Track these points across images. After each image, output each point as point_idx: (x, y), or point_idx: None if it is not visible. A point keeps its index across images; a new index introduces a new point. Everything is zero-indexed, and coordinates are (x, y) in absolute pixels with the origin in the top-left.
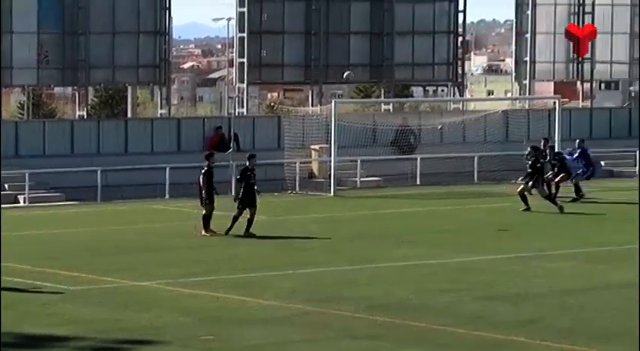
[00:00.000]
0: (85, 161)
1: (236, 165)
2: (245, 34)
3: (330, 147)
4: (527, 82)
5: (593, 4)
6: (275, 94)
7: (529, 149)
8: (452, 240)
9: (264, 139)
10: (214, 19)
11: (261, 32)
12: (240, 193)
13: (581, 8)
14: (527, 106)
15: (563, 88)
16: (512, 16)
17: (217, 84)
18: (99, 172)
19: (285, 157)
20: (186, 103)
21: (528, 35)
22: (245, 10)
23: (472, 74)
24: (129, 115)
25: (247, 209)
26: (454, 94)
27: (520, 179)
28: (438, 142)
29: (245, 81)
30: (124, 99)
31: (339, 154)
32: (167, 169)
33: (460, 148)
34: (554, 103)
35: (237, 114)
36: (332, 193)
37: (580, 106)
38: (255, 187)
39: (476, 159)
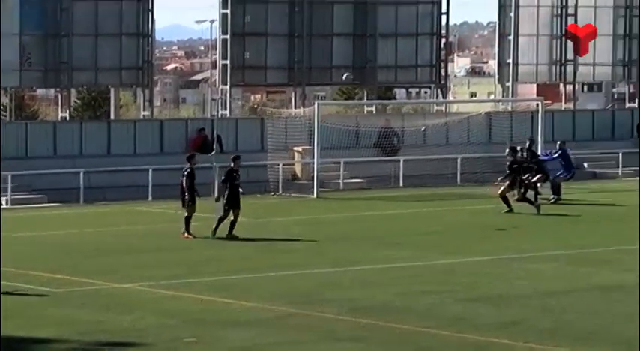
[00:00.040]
0: (67, 163)
1: (219, 167)
2: (228, 36)
3: (313, 149)
4: (510, 84)
5: (575, 7)
6: (258, 96)
7: (507, 150)
8: (435, 242)
9: (247, 140)
10: (197, 21)
11: (244, 34)
12: (226, 195)
13: (563, 10)
14: (510, 108)
15: (546, 90)
16: (495, 18)
17: (200, 86)
18: (81, 174)
19: (268, 158)
20: (169, 105)
21: (511, 37)
22: (228, 12)
23: (455, 76)
24: (112, 116)
25: (231, 211)
26: (437, 96)
27: (499, 180)
28: (421, 143)
29: (228, 83)
30: (107, 101)
31: (322, 156)
32: (150, 171)
33: (443, 150)
34: (537, 105)
35: (220, 116)
36: (315, 195)
37: (563, 108)
38: (240, 190)
39: (459, 161)
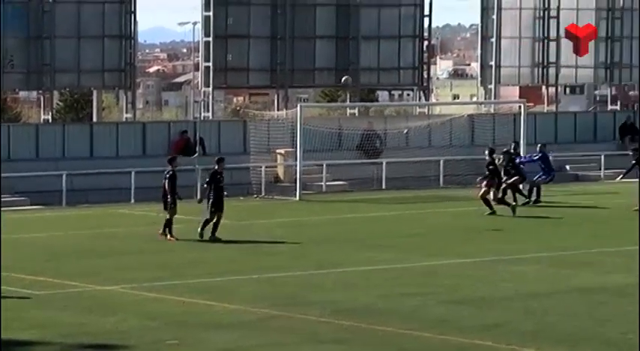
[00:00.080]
0: (50, 165)
1: (201, 169)
2: (211, 39)
3: (296, 151)
4: (492, 86)
5: (558, 9)
6: (240, 98)
7: (486, 152)
8: (417, 244)
9: (230, 143)
10: (180, 24)
11: (226, 36)
12: (211, 196)
13: (546, 13)
14: (492, 111)
15: (529, 93)
16: (478, 21)
17: (183, 88)
18: (64, 177)
19: (250, 161)
20: (151, 107)
21: (494, 40)
22: (211, 14)
23: (438, 78)
24: (94, 119)
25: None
26: (420, 99)
27: (479, 180)
28: (403, 146)
29: (210, 85)
30: (89, 103)
31: (305, 158)
32: (132, 174)
33: (426, 152)
34: (520, 107)
35: (202, 118)
36: (297, 198)
37: (545, 111)
38: (225, 192)
39: (441, 163)
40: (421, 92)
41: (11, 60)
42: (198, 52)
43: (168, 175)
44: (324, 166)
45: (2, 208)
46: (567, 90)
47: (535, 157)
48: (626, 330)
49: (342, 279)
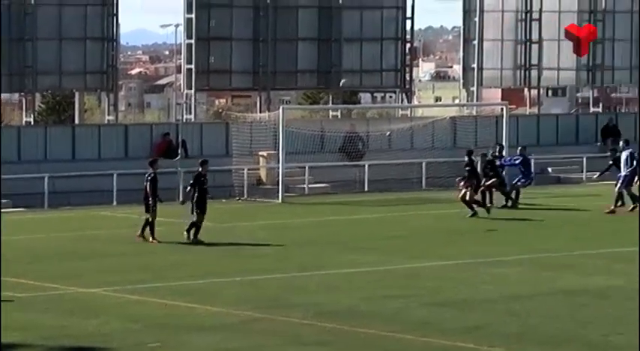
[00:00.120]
0: (32, 168)
1: (184, 171)
2: (193, 41)
3: (278, 153)
4: (474, 88)
5: (540, 11)
6: (223, 101)
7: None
8: (399, 246)
9: (212, 145)
10: (162, 26)
11: (209, 39)
12: (195, 198)
13: (528, 15)
14: (474, 113)
15: (511, 95)
16: (460, 23)
17: (165, 90)
18: (46, 179)
19: (233, 163)
20: (133, 110)
21: (476, 42)
22: (193, 16)
23: (420, 81)
24: (76, 121)
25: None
26: (402, 101)
27: (458, 180)
28: (386, 148)
29: (193, 87)
30: (72, 105)
31: (287, 161)
32: (114, 176)
33: (408, 155)
34: (502, 109)
35: (184, 120)
36: (280, 200)
37: (527, 113)
38: (208, 194)
39: (424, 165)
40: (403, 94)
41: None
42: (181, 54)
43: (149, 178)
44: (307, 168)
45: None
46: (549, 92)
47: (516, 161)
48: (608, 332)
49: (324, 281)
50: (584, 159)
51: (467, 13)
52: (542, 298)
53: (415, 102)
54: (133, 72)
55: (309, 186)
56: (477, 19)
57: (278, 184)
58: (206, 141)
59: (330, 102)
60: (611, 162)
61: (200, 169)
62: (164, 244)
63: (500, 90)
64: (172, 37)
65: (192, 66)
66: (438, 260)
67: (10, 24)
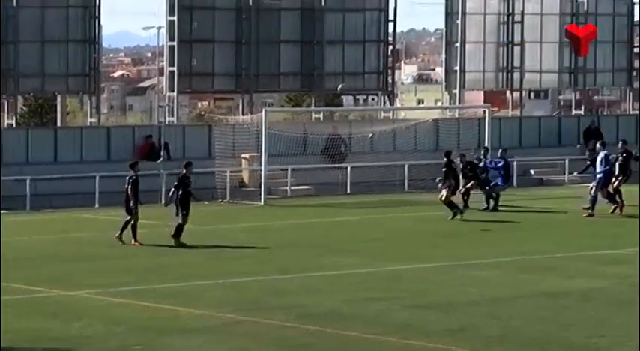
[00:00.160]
0: (14, 170)
1: (166, 174)
2: (175, 43)
3: (261, 156)
4: (457, 91)
5: (522, 14)
6: (205, 103)
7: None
8: (381, 249)
9: (195, 147)
10: (144, 28)
11: (191, 41)
12: (179, 201)
13: (510, 17)
14: (457, 115)
15: (493, 97)
16: (442, 26)
17: (147, 93)
18: (28, 181)
19: (215, 166)
20: (116, 112)
21: (458, 44)
22: (175, 18)
23: (402, 83)
24: (58, 123)
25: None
26: (384, 103)
27: (437, 180)
28: (368, 150)
29: (175, 90)
30: (54, 108)
31: (270, 163)
32: (97, 178)
33: (391, 157)
34: (484, 112)
35: (167, 123)
36: (262, 202)
37: (510, 115)
38: (193, 196)
39: (406, 168)
40: (386, 97)
41: None
42: (163, 56)
43: (131, 180)
44: (289, 170)
45: None
46: (532, 94)
47: (499, 164)
48: (590, 334)
49: (306, 284)
50: (567, 161)
51: (449, 15)
52: (524, 301)
53: (397, 104)
54: (116, 74)
55: (292, 188)
56: (459, 21)
57: (260, 187)
58: (188, 143)
59: (313, 104)
60: (588, 162)
61: (184, 171)
62: (147, 246)
63: (482, 92)
64: (155, 39)
65: (175, 68)
66: (420, 263)
67: None
